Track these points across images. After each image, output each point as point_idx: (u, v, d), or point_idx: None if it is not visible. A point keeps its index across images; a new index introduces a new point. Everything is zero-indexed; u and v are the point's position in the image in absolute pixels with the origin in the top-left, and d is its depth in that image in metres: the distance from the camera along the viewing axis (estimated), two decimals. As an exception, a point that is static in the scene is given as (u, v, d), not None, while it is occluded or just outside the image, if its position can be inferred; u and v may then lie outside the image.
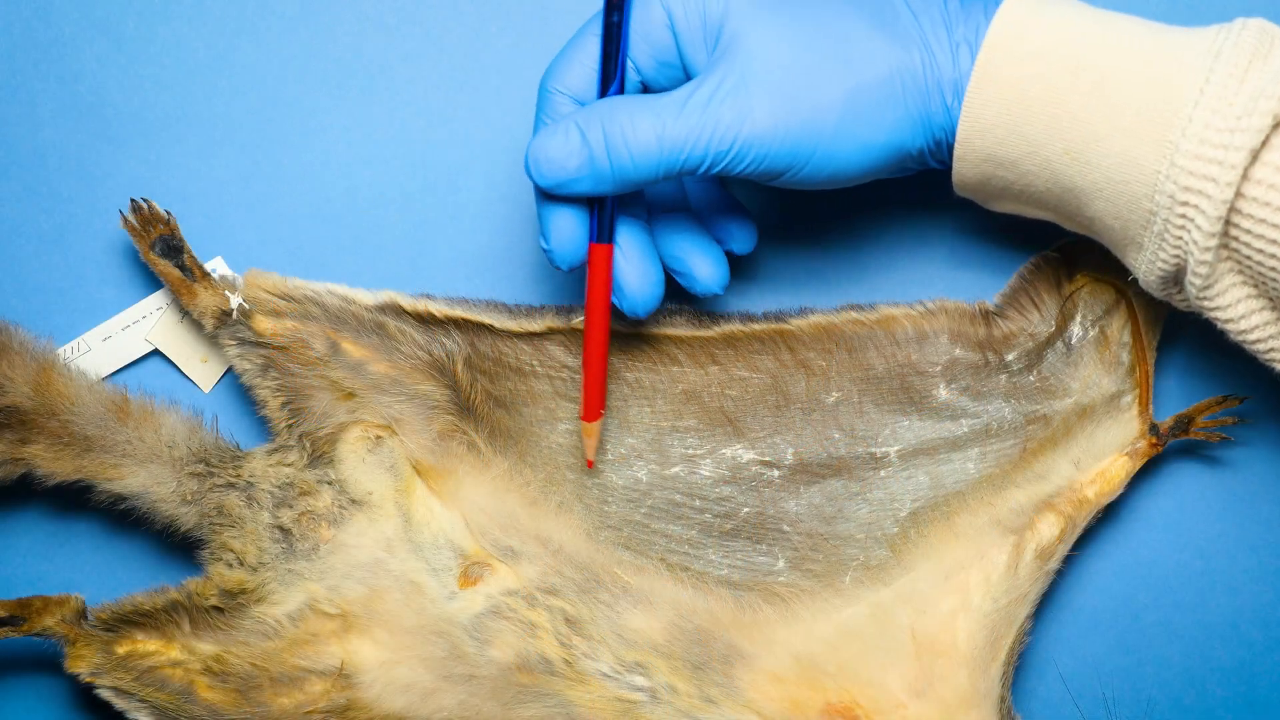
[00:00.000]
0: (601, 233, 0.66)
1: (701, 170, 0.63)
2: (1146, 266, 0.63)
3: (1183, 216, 0.60)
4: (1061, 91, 0.61)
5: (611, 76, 0.64)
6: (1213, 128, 0.59)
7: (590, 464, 0.70)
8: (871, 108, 0.63)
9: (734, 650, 0.70)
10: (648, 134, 0.62)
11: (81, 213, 0.74)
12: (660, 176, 0.63)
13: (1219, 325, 0.63)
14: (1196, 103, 0.59)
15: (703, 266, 0.68)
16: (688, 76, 0.65)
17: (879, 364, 0.72)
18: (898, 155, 0.64)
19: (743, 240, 0.70)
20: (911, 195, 0.74)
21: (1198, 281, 0.61)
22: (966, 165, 0.64)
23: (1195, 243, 0.60)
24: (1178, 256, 0.61)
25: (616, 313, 0.70)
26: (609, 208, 0.65)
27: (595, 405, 0.68)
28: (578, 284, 0.74)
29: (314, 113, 0.74)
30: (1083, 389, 0.71)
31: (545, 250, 0.66)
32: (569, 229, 0.65)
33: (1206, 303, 0.62)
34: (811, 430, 0.72)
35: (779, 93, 0.62)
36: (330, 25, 0.74)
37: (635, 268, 0.67)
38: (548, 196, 0.65)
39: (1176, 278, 0.63)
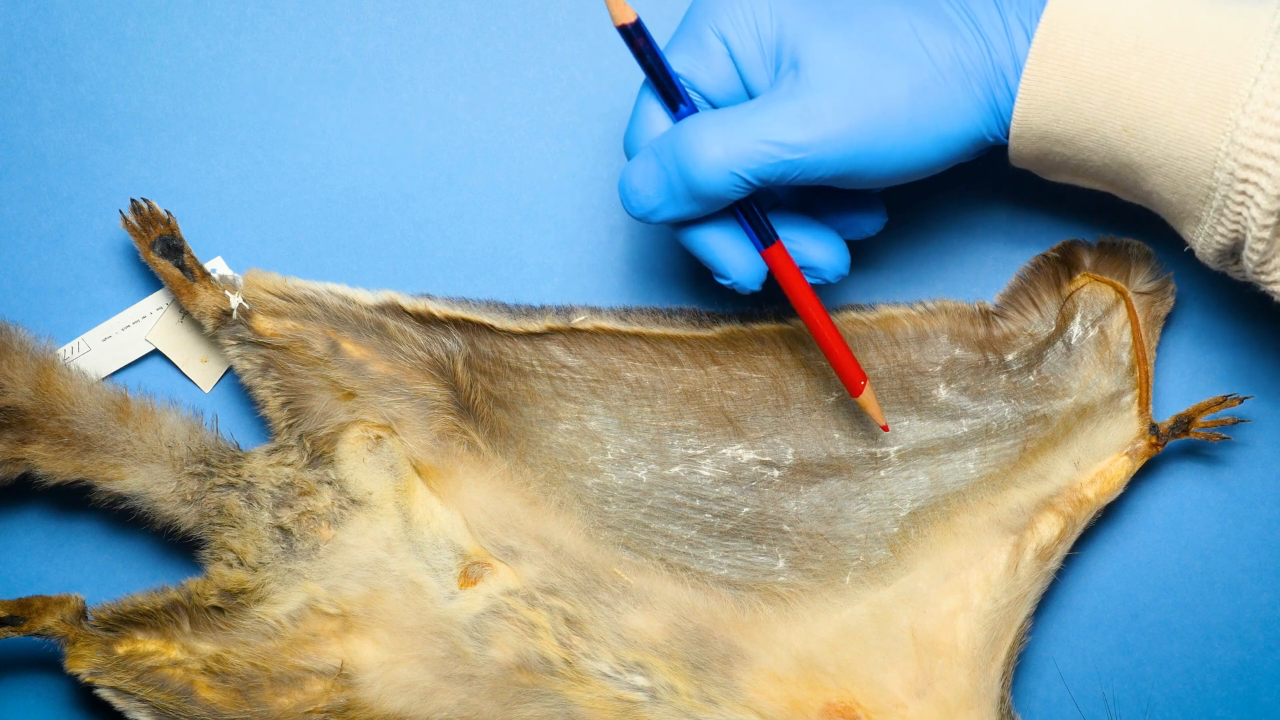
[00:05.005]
0: (765, 237, 0.65)
1: (774, 180, 0.63)
2: (1204, 240, 0.63)
3: (1242, 193, 0.60)
4: (1120, 68, 0.61)
5: (677, 101, 0.64)
6: (1274, 105, 0.59)
7: (885, 428, 0.69)
8: (939, 99, 0.63)
9: (734, 650, 0.70)
10: (716, 151, 0.62)
11: (81, 213, 0.74)
12: (736, 191, 0.63)
13: (1276, 299, 0.63)
14: (1257, 79, 0.59)
15: (819, 252, 0.67)
16: None
17: (879, 364, 0.72)
18: (972, 142, 0.64)
19: (871, 221, 0.69)
20: (911, 195, 0.74)
21: (1255, 257, 0.61)
22: (1023, 142, 0.64)
23: (1254, 219, 0.60)
24: (1236, 231, 0.61)
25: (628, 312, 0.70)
26: (755, 211, 0.65)
27: (855, 381, 0.67)
28: (575, 284, 0.74)
29: (314, 113, 0.74)
30: (1083, 389, 0.71)
31: (730, 284, 0.66)
32: (734, 251, 0.65)
33: (1264, 276, 0.62)
34: (811, 430, 0.72)
35: (845, 96, 0.62)
36: (330, 25, 0.74)
37: (815, 243, 0.67)
38: (685, 229, 0.65)
39: (1234, 251, 0.63)
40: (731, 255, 0.65)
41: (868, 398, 0.68)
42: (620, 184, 0.65)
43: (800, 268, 0.67)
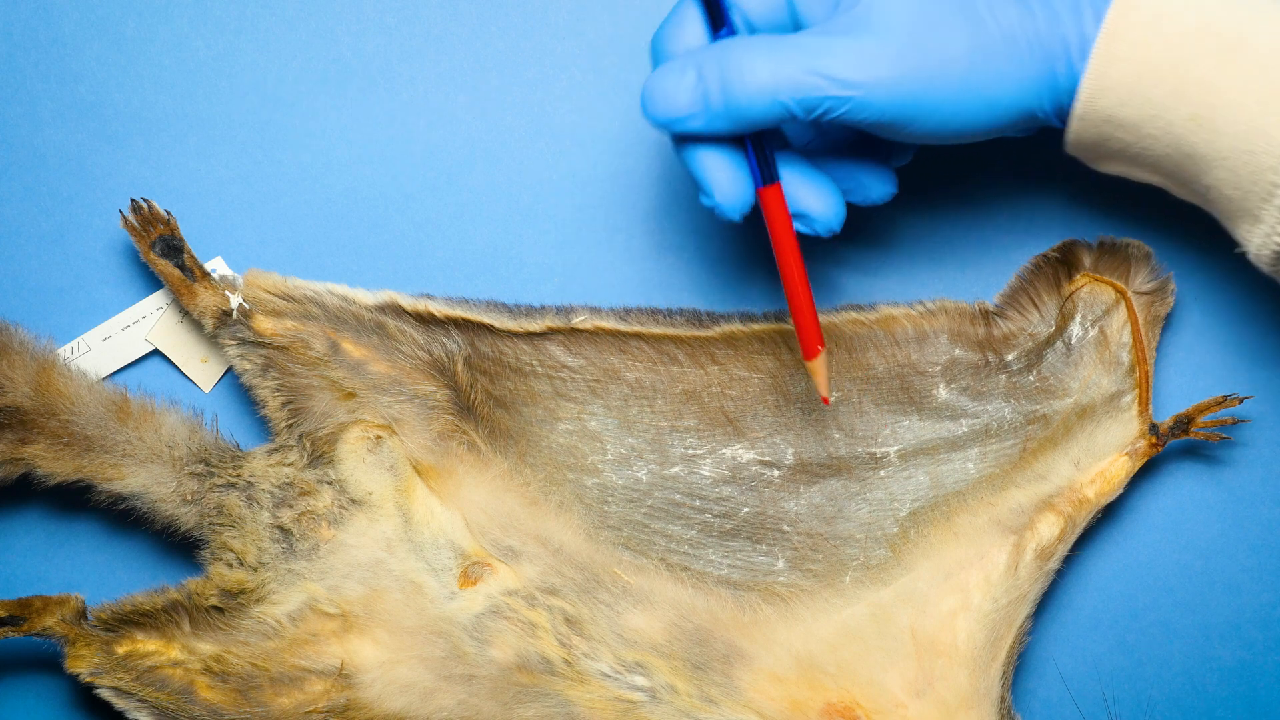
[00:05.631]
0: (765, 174, 0.64)
1: (818, 114, 0.62)
2: (1261, 240, 0.61)
3: None
4: (1191, 55, 0.60)
5: (721, 21, 0.63)
6: None
7: (826, 400, 0.68)
8: (996, 64, 0.62)
9: (734, 650, 0.70)
10: (764, 74, 0.61)
11: (81, 213, 0.74)
12: (776, 119, 0.62)
13: None
14: None
15: (814, 201, 0.66)
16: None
17: (879, 364, 0.72)
18: (1021, 114, 0.63)
19: (879, 187, 0.68)
20: (911, 195, 0.74)
21: None
22: (1086, 125, 0.63)
23: None
24: None
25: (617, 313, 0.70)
26: (765, 147, 0.64)
27: (812, 343, 0.67)
28: (575, 284, 0.74)
29: (314, 113, 0.74)
30: (1083, 389, 0.71)
31: (711, 206, 0.65)
32: (728, 176, 0.64)
33: None
34: (811, 430, 0.72)
35: (903, 42, 0.61)
36: (330, 25, 0.74)
37: (812, 190, 0.66)
38: (691, 143, 0.64)
39: None
40: (723, 179, 0.64)
41: (819, 365, 0.67)
42: (647, 88, 0.63)
43: (791, 214, 0.66)
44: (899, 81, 0.61)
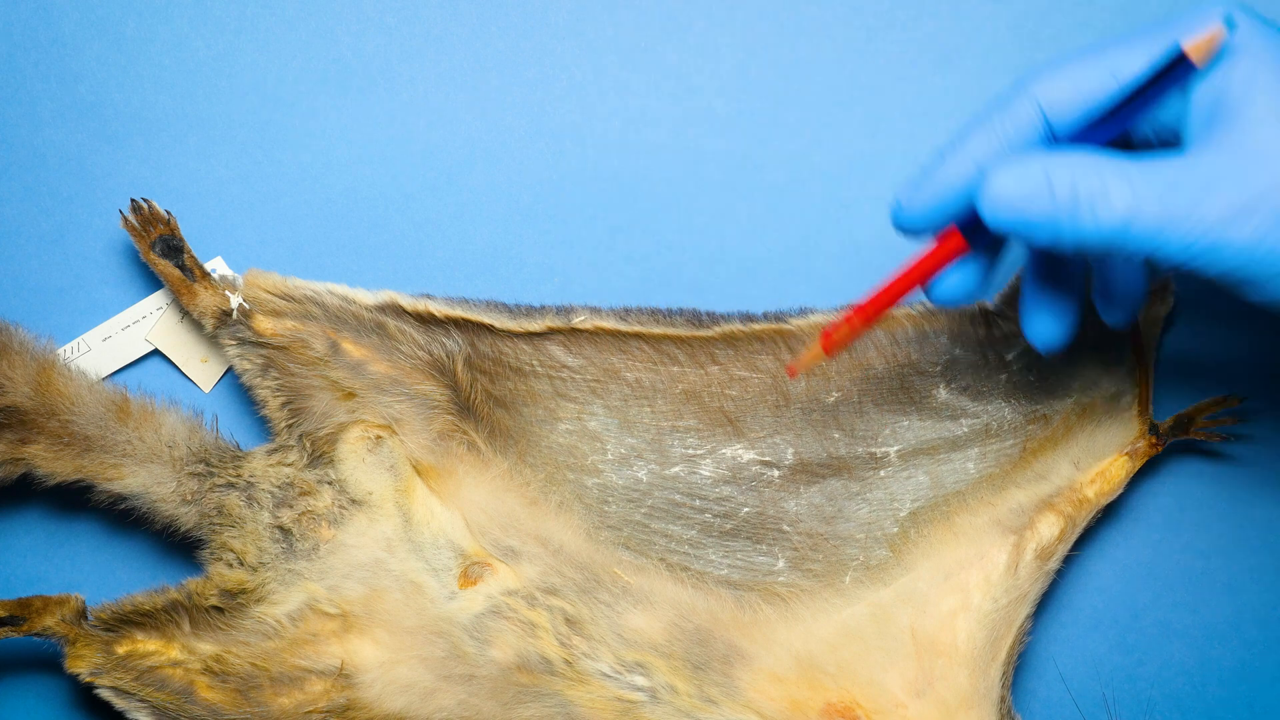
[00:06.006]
0: (974, 232, 0.60)
1: (1160, 259, 0.55)
2: None
3: None
4: None
5: (1112, 131, 0.57)
6: None
7: (793, 373, 0.65)
8: None
9: (734, 650, 0.70)
10: (1119, 206, 0.54)
11: (81, 213, 0.74)
12: (1114, 252, 0.56)
13: None
14: None
15: (1039, 325, 0.62)
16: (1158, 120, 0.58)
17: (879, 364, 0.72)
18: None
19: (1117, 313, 0.64)
20: (911, 195, 0.74)
21: None
22: None
23: None
24: None
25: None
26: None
27: (839, 345, 0.64)
28: (575, 284, 0.74)
29: (314, 113, 0.74)
30: (1083, 389, 0.71)
31: (895, 199, 0.60)
32: (931, 202, 0.59)
33: None
34: (811, 430, 0.72)
35: (1271, 198, 0.54)
36: (330, 25, 0.74)
37: (968, 275, 0.61)
38: (952, 168, 0.59)
39: None
40: (926, 198, 0.59)
41: (818, 355, 0.64)
42: (993, 183, 0.56)
43: (1023, 315, 0.63)
44: (1256, 247, 0.54)
